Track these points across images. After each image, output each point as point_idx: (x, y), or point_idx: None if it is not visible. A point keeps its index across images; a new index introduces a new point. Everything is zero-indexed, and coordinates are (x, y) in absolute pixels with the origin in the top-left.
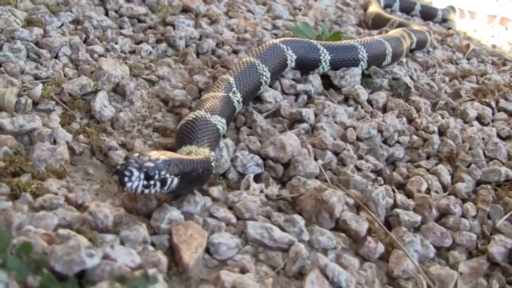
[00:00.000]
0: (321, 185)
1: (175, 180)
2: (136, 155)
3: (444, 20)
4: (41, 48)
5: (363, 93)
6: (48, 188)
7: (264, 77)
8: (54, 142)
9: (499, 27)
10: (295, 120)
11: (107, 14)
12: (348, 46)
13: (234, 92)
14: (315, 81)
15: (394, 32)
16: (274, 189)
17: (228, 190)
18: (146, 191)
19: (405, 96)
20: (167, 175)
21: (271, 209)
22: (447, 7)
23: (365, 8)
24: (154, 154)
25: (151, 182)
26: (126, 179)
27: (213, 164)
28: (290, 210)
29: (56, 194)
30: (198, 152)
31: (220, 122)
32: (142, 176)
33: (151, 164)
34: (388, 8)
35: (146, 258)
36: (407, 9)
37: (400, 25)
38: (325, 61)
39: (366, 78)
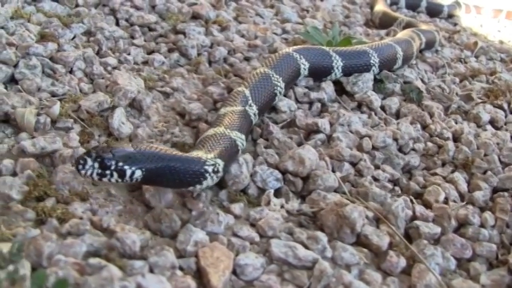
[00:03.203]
0: (341, 200)
1: (138, 173)
2: (102, 146)
3: (450, 16)
4: (56, 63)
5: (376, 100)
6: (74, 212)
7: (278, 88)
8: None
9: (505, 21)
10: (311, 131)
11: (117, 24)
12: (359, 52)
13: (250, 105)
14: (327, 88)
15: (403, 34)
16: (294, 204)
17: (248, 206)
18: (104, 179)
19: (417, 101)
20: (125, 167)
21: (292, 225)
22: (453, 2)
23: (371, 6)
24: (124, 146)
25: (107, 172)
26: (80, 166)
27: (208, 168)
28: (311, 226)
29: (81, 218)
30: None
31: (239, 138)
32: (96, 165)
33: (108, 155)
34: (394, 5)
35: (176, 284)
36: (413, 6)
37: (408, 24)
38: (337, 68)
39: (378, 84)
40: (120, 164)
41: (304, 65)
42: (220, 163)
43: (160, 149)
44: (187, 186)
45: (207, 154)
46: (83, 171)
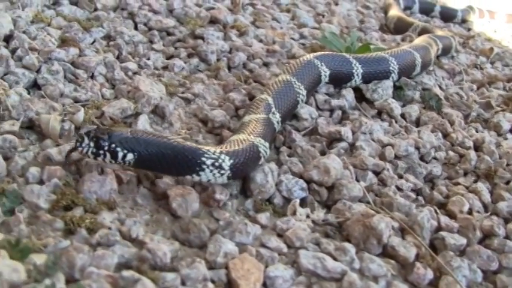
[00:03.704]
0: (367, 211)
1: (130, 156)
2: (102, 128)
3: (464, 21)
4: (78, 68)
5: (396, 108)
6: (102, 222)
7: (300, 95)
8: (102, 171)
9: None
10: (333, 139)
11: (136, 28)
12: (379, 58)
13: (273, 113)
14: (348, 95)
15: (420, 40)
16: (320, 214)
17: (274, 215)
18: (98, 158)
19: (437, 109)
20: (118, 149)
21: (319, 235)
22: (466, 7)
23: (385, 11)
24: (122, 130)
25: (101, 152)
26: (78, 144)
27: (206, 160)
28: (337, 236)
29: (110, 228)
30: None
31: (262, 145)
32: (92, 144)
33: (104, 137)
34: (408, 10)
35: None
36: (426, 11)
37: (423, 30)
38: (357, 74)
39: (398, 91)
40: (113, 145)
41: (325, 72)
42: (226, 159)
43: (157, 135)
44: (179, 174)
45: (214, 148)
46: (80, 149)
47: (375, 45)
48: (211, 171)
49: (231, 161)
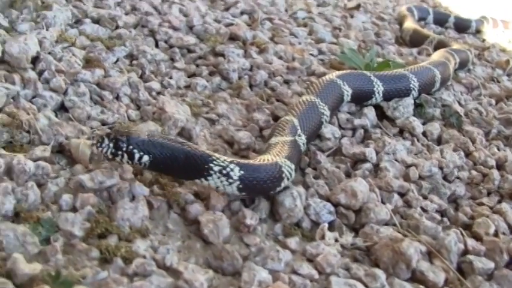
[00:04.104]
0: (395, 235)
1: (146, 158)
2: (121, 130)
3: (478, 31)
4: (103, 89)
5: (418, 126)
6: (137, 251)
7: (324, 116)
8: (133, 197)
9: None
10: (358, 160)
11: (157, 45)
12: (399, 76)
13: (299, 135)
14: (369, 114)
15: (438, 56)
16: (348, 238)
17: (303, 240)
18: (116, 158)
19: (458, 126)
20: (135, 150)
21: (348, 260)
22: (480, 17)
23: (400, 22)
24: (140, 132)
25: (119, 152)
26: (98, 144)
27: (214, 167)
28: (366, 260)
29: (145, 256)
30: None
31: (287, 167)
32: (111, 145)
33: (122, 138)
34: (422, 21)
35: None
36: (441, 22)
37: (440, 42)
38: (378, 92)
39: (418, 109)
40: (131, 147)
41: (347, 91)
42: (235, 169)
43: (172, 140)
44: (188, 178)
45: (226, 158)
46: (99, 148)
47: (394, 61)
48: (218, 177)
49: (242, 172)
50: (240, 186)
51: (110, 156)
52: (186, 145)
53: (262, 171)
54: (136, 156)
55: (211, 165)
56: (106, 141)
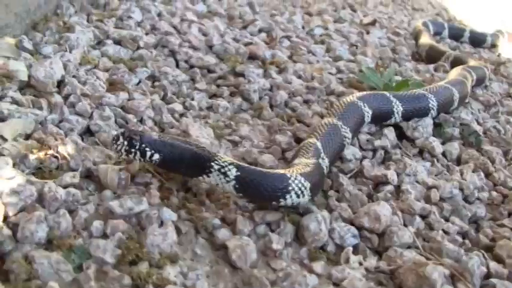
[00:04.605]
0: (419, 259)
1: (156, 156)
2: (135, 130)
3: (493, 46)
4: (127, 112)
5: (438, 147)
6: (168, 277)
7: (346, 139)
8: (161, 223)
9: None
10: (379, 182)
11: (177, 65)
12: (418, 96)
13: (322, 158)
14: (390, 134)
15: (456, 74)
16: (372, 261)
17: (328, 263)
18: (130, 155)
19: (477, 145)
20: (147, 149)
21: (373, 284)
22: (495, 31)
23: (415, 37)
24: (152, 133)
25: (133, 150)
26: (114, 141)
27: (214, 165)
28: (390, 284)
29: (176, 283)
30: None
31: (298, 182)
32: (126, 143)
33: (136, 137)
34: (438, 36)
35: None
36: (456, 36)
37: (456, 59)
38: (397, 113)
39: (438, 128)
40: (143, 145)
41: (368, 113)
42: (232, 170)
43: (180, 140)
44: (193, 175)
45: (227, 158)
46: (115, 146)
47: (411, 79)
48: (217, 175)
49: (238, 173)
50: (236, 186)
51: (124, 153)
52: (193, 145)
53: (260, 176)
54: (148, 154)
55: (212, 163)
56: (121, 139)
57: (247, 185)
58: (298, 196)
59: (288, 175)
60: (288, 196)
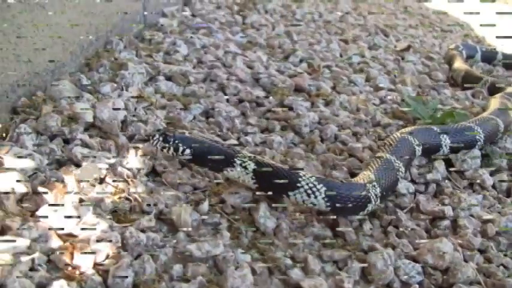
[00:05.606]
0: None
1: (187, 151)
2: (169, 128)
3: None
4: None
5: (488, 179)
6: None
7: (400, 173)
8: (237, 265)
9: None
10: (436, 217)
11: (227, 100)
12: (465, 128)
13: (374, 186)
14: (440, 167)
15: (496, 103)
16: None
17: None
18: (164, 150)
19: None
20: (180, 144)
21: None
22: None
23: (448, 61)
24: (184, 130)
25: (167, 145)
26: (151, 137)
27: (237, 160)
28: None
29: None
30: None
31: (318, 187)
32: (161, 139)
33: (170, 134)
34: (470, 59)
35: None
36: (489, 59)
37: (493, 84)
38: (445, 146)
39: (485, 159)
40: (176, 141)
41: (418, 147)
42: (251, 164)
43: (209, 138)
44: (218, 170)
45: (249, 154)
46: (151, 141)
47: (456, 110)
48: (239, 169)
49: (255, 167)
50: (254, 178)
51: (159, 148)
52: (221, 143)
53: (274, 172)
54: (180, 149)
55: (235, 159)
56: (157, 136)
57: (263, 179)
58: (308, 196)
59: (308, 177)
60: (301, 196)
